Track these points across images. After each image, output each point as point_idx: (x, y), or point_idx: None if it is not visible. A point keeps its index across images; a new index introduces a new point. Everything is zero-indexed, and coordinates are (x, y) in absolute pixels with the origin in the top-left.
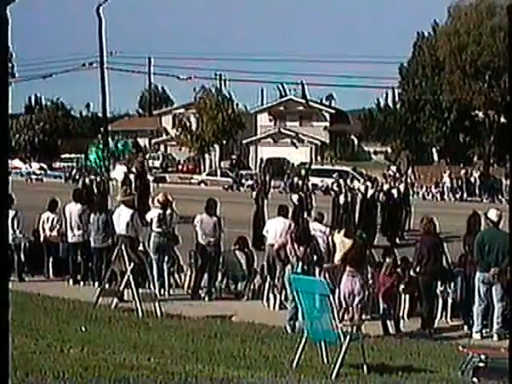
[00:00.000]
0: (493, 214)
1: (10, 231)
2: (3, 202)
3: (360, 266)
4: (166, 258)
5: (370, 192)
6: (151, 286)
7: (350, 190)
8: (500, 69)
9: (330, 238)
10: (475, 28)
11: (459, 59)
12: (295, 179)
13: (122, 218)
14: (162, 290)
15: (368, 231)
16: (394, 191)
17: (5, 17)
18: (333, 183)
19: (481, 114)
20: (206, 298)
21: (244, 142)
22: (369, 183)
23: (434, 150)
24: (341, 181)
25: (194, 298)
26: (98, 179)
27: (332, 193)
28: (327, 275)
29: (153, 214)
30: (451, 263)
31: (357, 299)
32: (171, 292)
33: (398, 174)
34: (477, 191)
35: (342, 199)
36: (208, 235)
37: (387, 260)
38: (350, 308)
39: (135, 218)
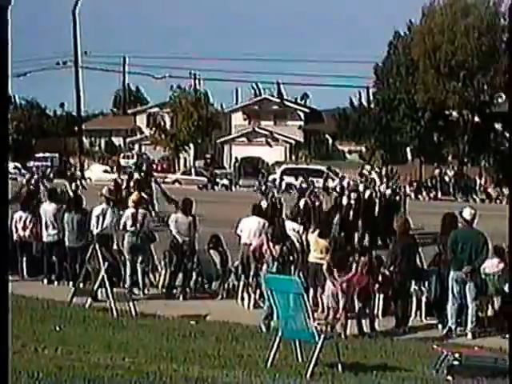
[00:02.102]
0: (467, 213)
1: None
2: (3, 202)
3: (343, 267)
4: (140, 258)
5: (367, 192)
6: (126, 286)
7: (325, 189)
8: (474, 68)
9: (303, 237)
10: (449, 28)
11: (433, 59)
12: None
13: (106, 216)
14: (136, 290)
15: (370, 232)
16: (388, 191)
17: (5, 17)
18: (301, 182)
19: (455, 114)
20: (181, 298)
21: (219, 141)
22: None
23: (407, 149)
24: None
25: (169, 297)
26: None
27: (334, 193)
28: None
29: (126, 214)
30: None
31: (341, 301)
32: (146, 291)
33: (374, 174)
34: (451, 190)
35: (344, 200)
36: (183, 234)
37: (362, 259)
38: (335, 309)
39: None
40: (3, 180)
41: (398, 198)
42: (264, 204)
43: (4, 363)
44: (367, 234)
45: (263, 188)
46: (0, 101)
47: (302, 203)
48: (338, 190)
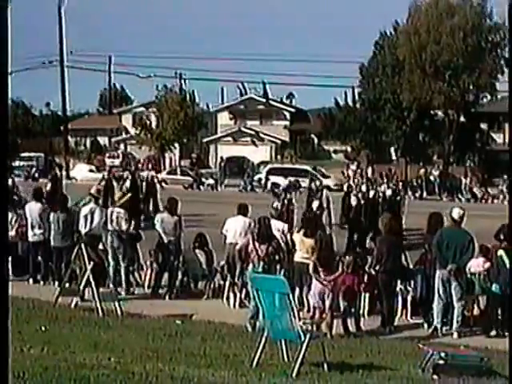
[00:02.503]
0: (456, 213)
1: None
2: (3, 202)
3: (329, 266)
4: (121, 257)
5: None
6: (111, 285)
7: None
8: (459, 68)
9: (288, 237)
10: (435, 28)
11: (419, 59)
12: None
13: (95, 215)
14: (120, 289)
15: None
16: (389, 191)
17: (5, 17)
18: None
19: (440, 114)
20: (167, 297)
21: (204, 140)
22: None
23: (392, 148)
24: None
25: (155, 296)
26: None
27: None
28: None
29: (109, 213)
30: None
31: (328, 301)
32: (131, 291)
33: (357, 173)
34: (436, 190)
35: (353, 200)
36: (169, 234)
37: (347, 258)
38: (321, 308)
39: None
40: (3, 180)
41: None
42: (276, 205)
43: (4, 363)
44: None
45: (276, 190)
46: (0, 100)
47: (315, 205)
48: (364, 190)
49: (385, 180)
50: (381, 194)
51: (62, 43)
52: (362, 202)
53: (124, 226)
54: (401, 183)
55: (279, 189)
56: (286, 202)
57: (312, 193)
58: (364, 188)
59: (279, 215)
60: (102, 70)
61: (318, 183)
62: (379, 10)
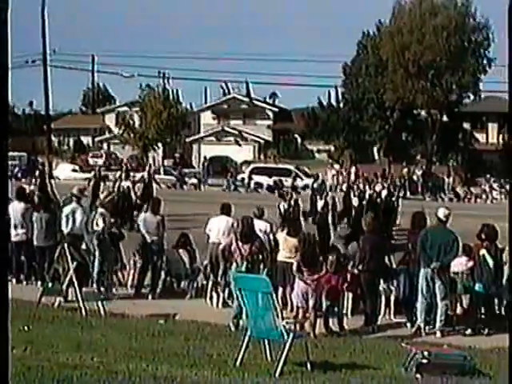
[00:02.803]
0: (441, 213)
1: None
2: (3, 202)
3: (312, 266)
4: (99, 257)
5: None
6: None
7: (294, 188)
8: (442, 68)
9: (271, 236)
10: (418, 28)
11: (402, 58)
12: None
13: (76, 215)
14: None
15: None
16: (384, 192)
17: (5, 18)
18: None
19: (423, 113)
20: (150, 297)
21: (187, 140)
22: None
23: (374, 148)
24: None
25: (138, 296)
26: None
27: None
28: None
29: (93, 213)
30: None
31: (311, 300)
32: (114, 291)
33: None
34: (419, 189)
35: (355, 200)
36: (151, 233)
37: (330, 258)
38: (304, 308)
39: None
40: (3, 180)
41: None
42: (283, 205)
43: (4, 363)
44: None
45: (282, 191)
46: (0, 100)
47: (319, 205)
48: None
49: (379, 180)
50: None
51: (45, 42)
52: (363, 202)
53: (100, 226)
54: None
55: (285, 189)
56: (292, 203)
57: (316, 193)
58: (362, 188)
59: (285, 216)
60: (85, 70)
61: (320, 182)
62: (362, 10)
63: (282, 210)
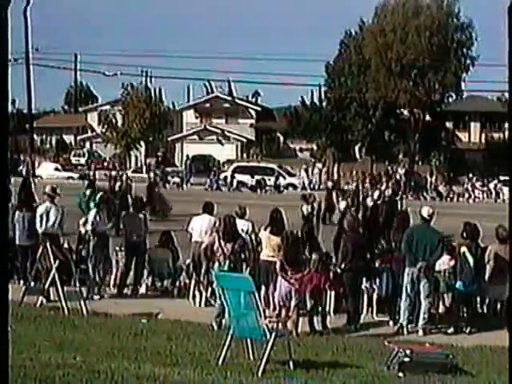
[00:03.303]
0: (425, 212)
1: None
2: (3, 202)
3: (296, 265)
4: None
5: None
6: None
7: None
8: (425, 67)
9: (253, 236)
10: (401, 27)
11: (385, 58)
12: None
13: (50, 214)
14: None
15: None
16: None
17: (5, 17)
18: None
19: (406, 112)
20: (132, 296)
21: (170, 139)
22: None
23: (356, 147)
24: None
25: (120, 295)
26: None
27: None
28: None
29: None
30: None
31: (294, 299)
32: (96, 290)
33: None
34: (402, 188)
35: (369, 202)
36: (134, 232)
37: (313, 256)
38: (287, 307)
39: (64, 215)
40: (3, 180)
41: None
42: (305, 209)
43: (4, 363)
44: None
45: (305, 193)
46: (0, 100)
47: (342, 206)
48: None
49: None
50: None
51: (28, 41)
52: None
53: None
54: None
55: (308, 192)
56: (315, 205)
57: (341, 193)
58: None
59: (310, 219)
60: (67, 68)
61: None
62: (345, 10)
63: (306, 212)
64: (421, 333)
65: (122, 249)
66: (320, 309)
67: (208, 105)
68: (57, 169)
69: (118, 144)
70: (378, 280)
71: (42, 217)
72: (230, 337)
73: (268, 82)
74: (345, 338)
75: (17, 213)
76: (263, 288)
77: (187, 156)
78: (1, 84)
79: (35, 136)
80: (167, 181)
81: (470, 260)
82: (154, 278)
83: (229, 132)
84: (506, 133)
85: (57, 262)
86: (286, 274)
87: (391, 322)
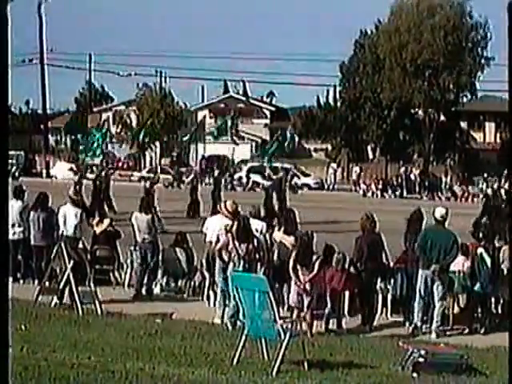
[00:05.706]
0: (439, 213)
1: None
2: (3, 202)
3: (308, 265)
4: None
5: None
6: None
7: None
8: (440, 67)
9: (267, 236)
10: (416, 27)
11: (400, 57)
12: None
13: (68, 217)
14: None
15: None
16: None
17: (5, 17)
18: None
19: (420, 112)
20: (147, 296)
21: (184, 139)
22: None
23: (369, 147)
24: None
25: (135, 295)
26: None
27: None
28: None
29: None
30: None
31: (307, 299)
32: (111, 290)
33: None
34: (416, 188)
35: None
36: (145, 232)
37: (335, 256)
38: (300, 308)
39: (83, 217)
40: (3, 180)
41: None
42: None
43: (4, 363)
44: None
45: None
46: (0, 100)
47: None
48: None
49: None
50: None
51: (42, 41)
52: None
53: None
54: (381, 182)
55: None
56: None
57: None
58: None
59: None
60: (82, 69)
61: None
62: (360, 9)
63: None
64: (434, 335)
65: (137, 249)
66: (336, 309)
67: (222, 105)
68: (71, 169)
69: (133, 144)
70: (392, 280)
71: (64, 218)
72: (244, 337)
73: (282, 82)
74: (359, 339)
75: (32, 212)
76: (277, 288)
77: (202, 156)
78: (1, 84)
79: (50, 136)
80: (182, 181)
81: (488, 261)
82: (169, 278)
83: (243, 132)
84: None
85: (71, 262)
86: (297, 274)
87: (406, 323)
